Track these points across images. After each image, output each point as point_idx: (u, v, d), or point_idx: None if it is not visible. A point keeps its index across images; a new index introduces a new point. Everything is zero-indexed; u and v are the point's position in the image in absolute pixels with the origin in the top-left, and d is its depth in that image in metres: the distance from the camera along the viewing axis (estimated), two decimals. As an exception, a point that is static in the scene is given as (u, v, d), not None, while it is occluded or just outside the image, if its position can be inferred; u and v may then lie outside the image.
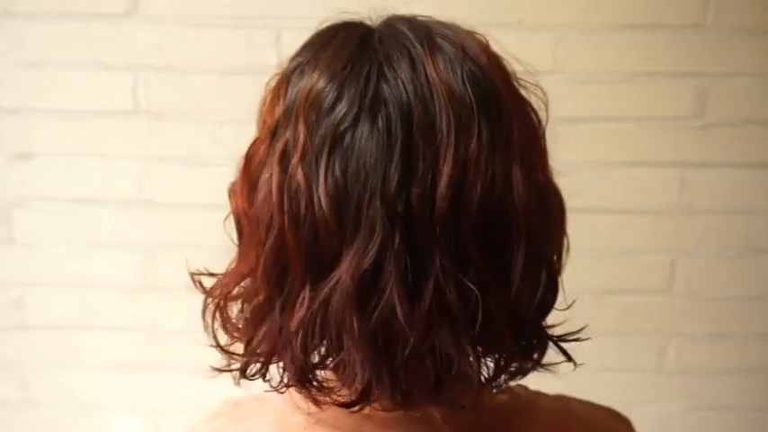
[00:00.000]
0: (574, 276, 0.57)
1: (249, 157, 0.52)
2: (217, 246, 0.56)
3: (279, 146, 0.48)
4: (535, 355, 0.52)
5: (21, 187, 1.38)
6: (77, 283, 1.41)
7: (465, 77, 0.48)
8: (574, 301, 0.55)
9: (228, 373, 0.55)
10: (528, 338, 0.52)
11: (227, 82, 1.32)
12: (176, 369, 1.43)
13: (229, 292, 0.53)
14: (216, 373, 0.55)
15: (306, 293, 0.48)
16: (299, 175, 0.46)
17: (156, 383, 1.45)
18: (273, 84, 0.53)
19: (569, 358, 0.53)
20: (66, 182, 1.37)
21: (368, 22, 0.53)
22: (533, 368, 0.53)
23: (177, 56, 1.32)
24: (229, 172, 0.54)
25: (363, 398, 0.50)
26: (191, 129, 1.34)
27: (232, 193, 0.54)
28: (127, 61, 1.32)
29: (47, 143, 1.36)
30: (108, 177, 1.37)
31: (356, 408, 0.51)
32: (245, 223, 0.52)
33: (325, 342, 0.49)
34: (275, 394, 0.58)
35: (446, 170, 0.46)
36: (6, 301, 1.42)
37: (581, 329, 0.54)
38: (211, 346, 0.54)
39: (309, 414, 0.54)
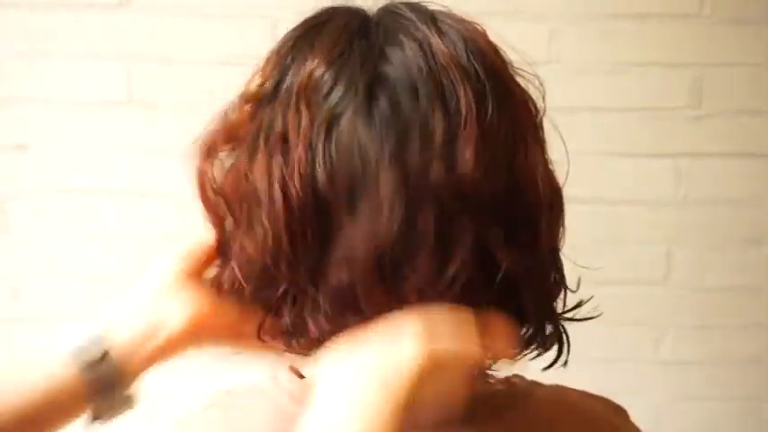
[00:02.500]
0: (568, 267, 0.57)
1: (231, 117, 0.53)
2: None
3: (277, 131, 0.49)
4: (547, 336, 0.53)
5: (15, 179, 1.37)
6: (73, 274, 1.41)
7: (472, 57, 0.48)
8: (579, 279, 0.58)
9: (224, 364, 0.55)
10: (544, 319, 0.53)
11: (221, 72, 1.31)
12: (174, 362, 1.43)
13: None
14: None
15: (315, 271, 0.48)
16: (302, 160, 0.47)
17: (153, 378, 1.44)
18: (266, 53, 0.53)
19: (561, 348, 0.54)
20: (60, 173, 1.37)
21: (365, 9, 0.53)
22: (544, 348, 0.53)
23: (171, 46, 1.31)
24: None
25: None
26: (185, 119, 1.34)
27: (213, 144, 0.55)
28: (121, 52, 1.32)
29: (41, 134, 1.35)
30: (103, 168, 1.36)
31: None
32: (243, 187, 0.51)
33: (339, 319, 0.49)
34: (269, 384, 0.58)
35: (469, 141, 0.46)
36: (1, 292, 1.42)
37: (582, 302, 0.56)
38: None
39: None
